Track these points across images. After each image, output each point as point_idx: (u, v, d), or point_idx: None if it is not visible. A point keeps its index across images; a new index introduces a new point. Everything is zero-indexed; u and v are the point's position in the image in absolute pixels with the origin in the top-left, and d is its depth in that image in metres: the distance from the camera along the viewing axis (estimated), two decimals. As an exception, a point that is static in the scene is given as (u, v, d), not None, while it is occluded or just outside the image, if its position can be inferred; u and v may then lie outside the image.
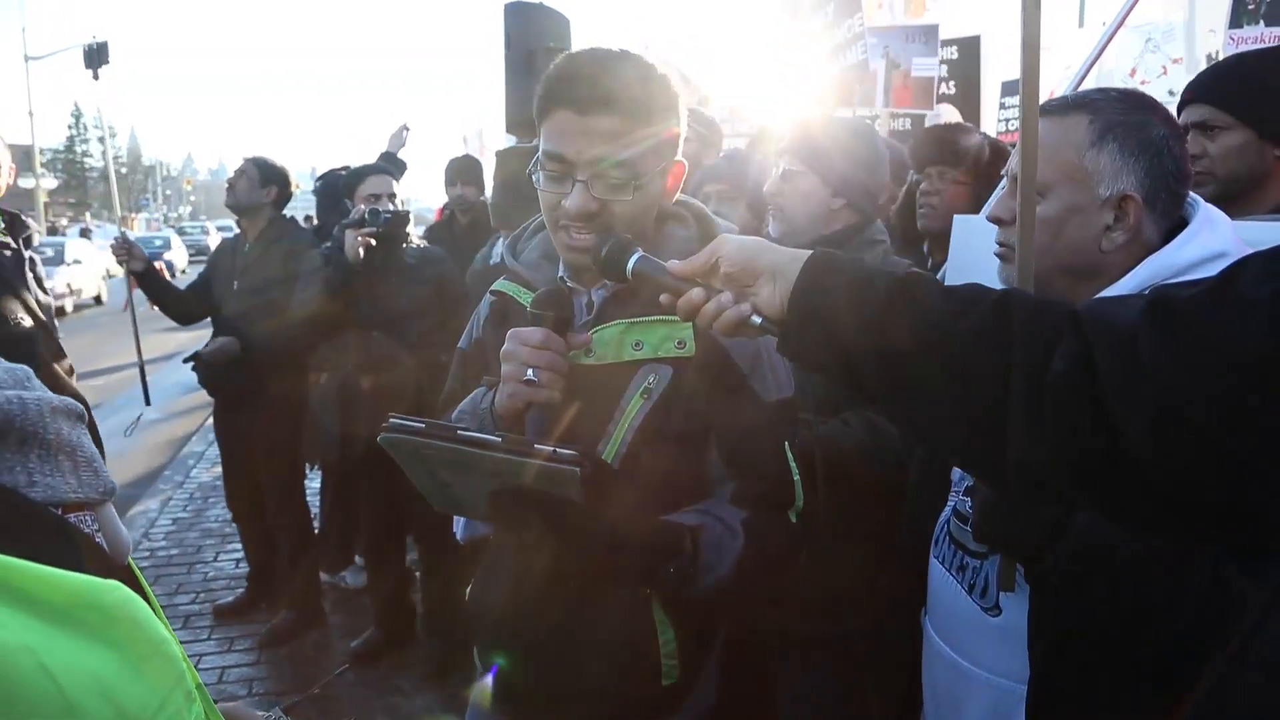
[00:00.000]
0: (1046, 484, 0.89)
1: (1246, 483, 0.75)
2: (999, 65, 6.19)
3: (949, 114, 5.84)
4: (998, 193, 1.47)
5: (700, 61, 7.80)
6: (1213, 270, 1.19)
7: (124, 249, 4.24)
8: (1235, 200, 2.14)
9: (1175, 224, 1.33)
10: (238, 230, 4.36)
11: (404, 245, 3.84)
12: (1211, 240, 1.27)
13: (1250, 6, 3.89)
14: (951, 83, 6.03)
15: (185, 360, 4.34)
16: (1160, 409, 0.78)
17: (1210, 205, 1.35)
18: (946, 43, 6.04)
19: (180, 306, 4.49)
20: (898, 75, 5.53)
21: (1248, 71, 2.25)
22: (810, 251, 1.06)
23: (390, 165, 4.83)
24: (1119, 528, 1.15)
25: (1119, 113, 1.32)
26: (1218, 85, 2.21)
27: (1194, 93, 2.23)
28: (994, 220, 1.44)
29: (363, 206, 3.71)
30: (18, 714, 0.48)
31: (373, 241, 3.61)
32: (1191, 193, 1.37)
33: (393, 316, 3.74)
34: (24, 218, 3.60)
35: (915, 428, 1.02)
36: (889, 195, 3.18)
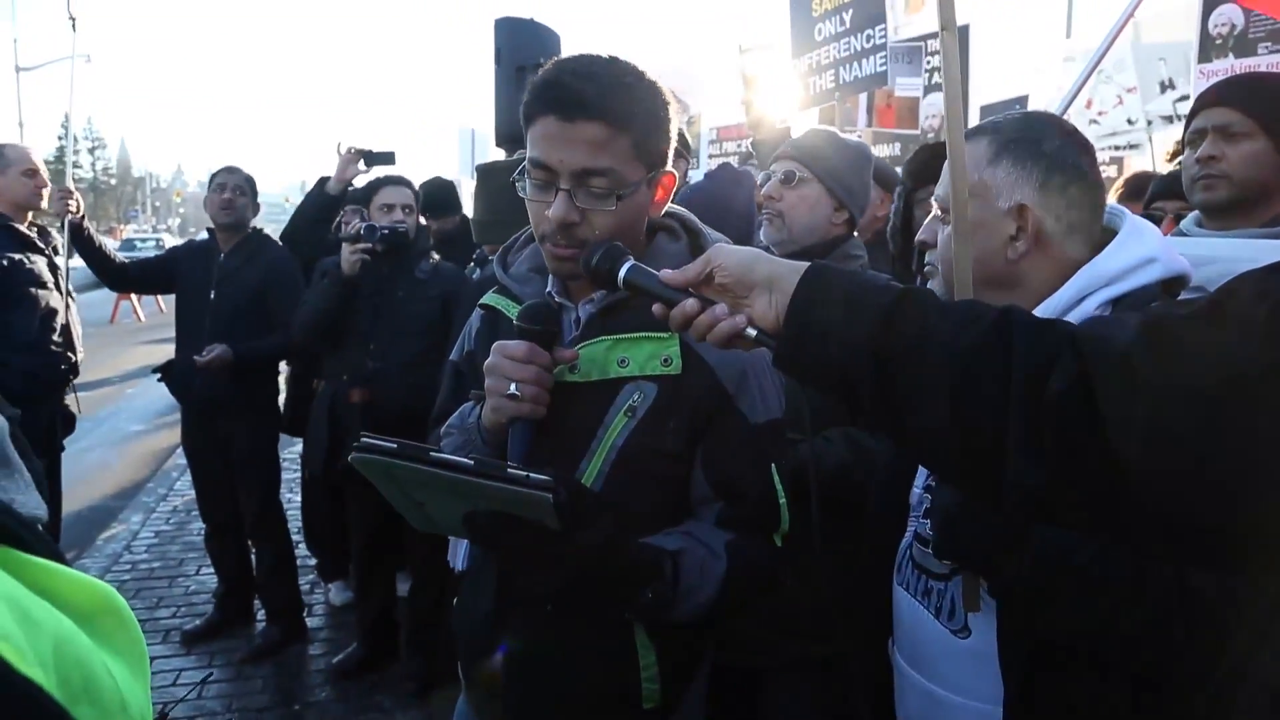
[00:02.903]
0: (1044, 503, 0.87)
1: (1239, 503, 0.74)
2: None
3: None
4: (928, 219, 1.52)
5: (691, 79, 7.80)
6: (1143, 276, 1.30)
7: (65, 199, 4.10)
8: (1241, 207, 2.18)
9: (1107, 235, 1.39)
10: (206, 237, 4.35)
11: (422, 258, 3.82)
12: (1139, 248, 1.33)
13: (1218, 41, 3.95)
14: (940, 73, 6.01)
15: (154, 371, 4.30)
16: (1155, 429, 0.77)
17: (1136, 216, 1.42)
18: (934, 36, 6.06)
19: (111, 268, 4.39)
20: (881, 94, 5.48)
21: None
22: (807, 264, 1.04)
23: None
24: (1121, 548, 1.14)
25: (1016, 131, 1.41)
26: (1249, 93, 2.23)
27: (1219, 97, 2.24)
28: (920, 245, 1.50)
29: (358, 221, 3.71)
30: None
31: (367, 257, 3.60)
32: (1115, 203, 1.44)
33: (393, 332, 3.72)
34: (50, 230, 4.14)
35: (911, 444, 1.00)
36: (883, 212, 3.17)
